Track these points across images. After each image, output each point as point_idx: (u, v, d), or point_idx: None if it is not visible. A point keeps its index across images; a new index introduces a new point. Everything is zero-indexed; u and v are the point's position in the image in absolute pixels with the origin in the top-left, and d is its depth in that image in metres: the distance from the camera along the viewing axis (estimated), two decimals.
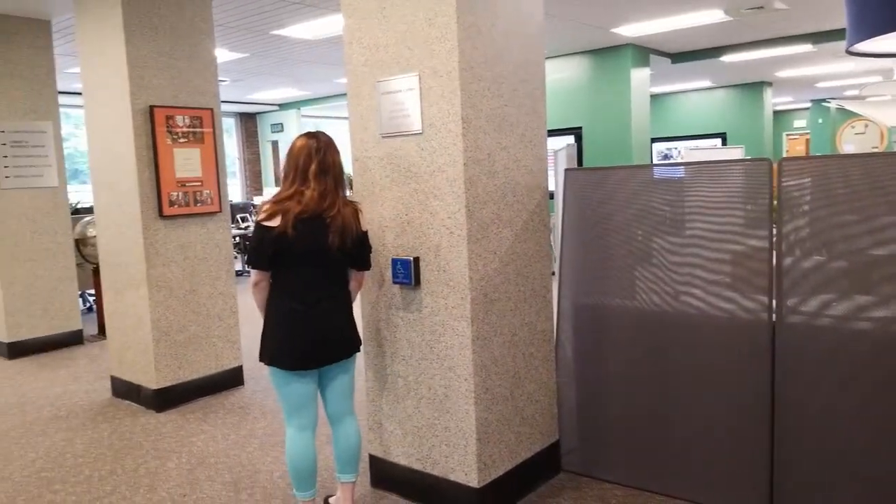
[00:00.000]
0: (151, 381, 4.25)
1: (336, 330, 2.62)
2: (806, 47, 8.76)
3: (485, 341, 2.69)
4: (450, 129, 2.56)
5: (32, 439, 3.87)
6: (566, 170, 3.12)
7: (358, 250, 2.64)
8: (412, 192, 2.73)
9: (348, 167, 2.78)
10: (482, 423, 2.68)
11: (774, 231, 2.57)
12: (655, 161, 12.87)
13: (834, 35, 8.23)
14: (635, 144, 8.88)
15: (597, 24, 7.63)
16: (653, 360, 2.90)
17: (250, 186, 15.08)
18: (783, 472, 2.60)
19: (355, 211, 2.62)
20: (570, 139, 9.12)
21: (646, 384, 2.92)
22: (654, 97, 12.22)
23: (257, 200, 12.45)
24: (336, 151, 2.60)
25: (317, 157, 2.52)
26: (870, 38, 3.28)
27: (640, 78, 8.97)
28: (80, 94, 4.67)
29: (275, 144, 15.11)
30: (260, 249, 2.51)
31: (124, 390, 4.49)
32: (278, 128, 14.34)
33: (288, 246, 2.47)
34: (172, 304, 4.28)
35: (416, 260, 2.74)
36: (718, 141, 13.07)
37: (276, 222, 2.47)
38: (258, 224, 2.52)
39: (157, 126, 4.10)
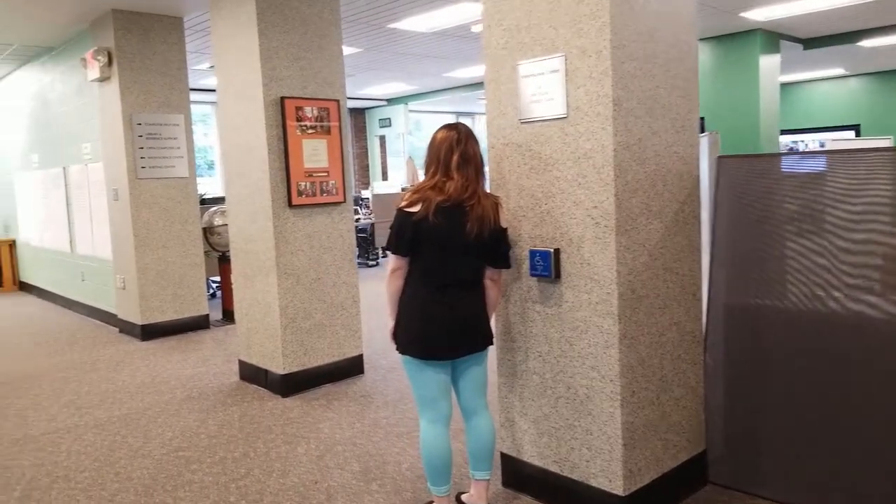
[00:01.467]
0: (278, 366, 4.35)
1: (471, 320, 2.55)
2: None
3: (632, 341, 2.52)
4: (598, 113, 2.41)
5: (168, 418, 4.04)
6: (720, 157, 2.89)
7: (495, 244, 2.56)
8: (553, 179, 2.59)
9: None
10: (628, 427, 2.52)
11: None
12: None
13: None
14: (763, 137, 8.32)
15: (724, 7, 7.17)
16: (818, 368, 2.63)
17: (358, 180, 15.39)
18: None
19: (495, 204, 2.55)
20: None
21: (809, 393, 2.66)
22: (781, 86, 11.46)
23: (365, 194, 12.68)
24: (476, 142, 2.55)
25: (458, 148, 2.50)
26: None
27: (769, 65, 8.40)
28: (201, 90, 4.82)
29: (382, 139, 15.35)
30: (400, 234, 2.48)
31: (251, 374, 4.62)
32: (386, 123, 14.54)
33: (427, 232, 2.44)
34: (299, 292, 4.35)
35: (557, 252, 2.60)
36: (851, 133, 12.10)
37: (416, 209, 2.44)
38: (400, 210, 2.49)
39: (287, 117, 4.17)
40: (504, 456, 2.97)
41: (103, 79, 5.86)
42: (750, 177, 2.84)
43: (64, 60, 6.97)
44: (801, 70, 11.57)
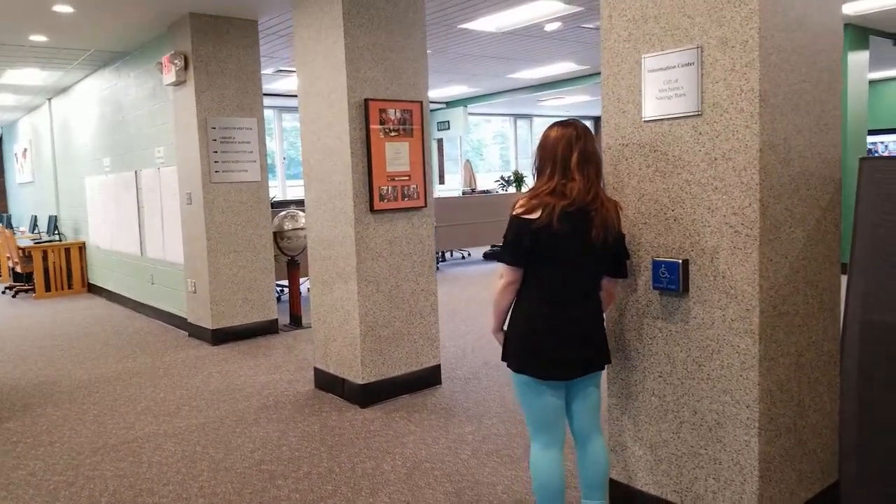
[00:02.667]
0: (357, 375, 4.20)
1: (594, 336, 2.34)
2: None
3: (772, 363, 2.27)
4: (741, 109, 2.17)
5: (247, 429, 3.93)
6: (862, 159, 2.60)
7: (619, 251, 2.34)
8: (683, 183, 2.36)
9: None
10: (765, 457, 2.27)
11: None
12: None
13: None
14: (851, 137, 7.87)
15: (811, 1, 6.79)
16: None
17: None
18: None
19: (616, 207, 2.32)
20: None
21: None
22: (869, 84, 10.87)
23: None
24: (594, 140, 2.30)
25: (577, 145, 2.25)
26: None
27: (857, 62, 7.95)
28: (269, 95, 4.71)
29: (440, 142, 15.22)
30: (518, 243, 2.25)
31: (328, 383, 4.49)
32: (445, 125, 14.40)
33: (549, 240, 2.21)
34: (378, 299, 4.20)
35: (686, 263, 2.37)
36: None
37: (536, 215, 2.21)
38: (515, 217, 2.27)
39: (370, 120, 4.03)
40: (613, 482, 2.74)
41: (179, 83, 5.85)
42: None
43: (138, 65, 7.02)
44: (890, 67, 10.97)
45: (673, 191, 2.39)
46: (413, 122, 4.25)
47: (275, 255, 6.45)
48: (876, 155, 11.64)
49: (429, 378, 4.49)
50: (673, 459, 2.49)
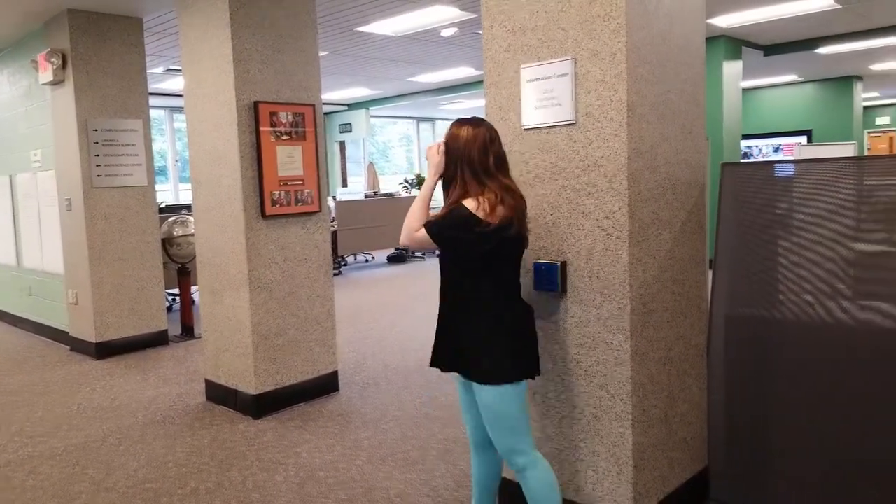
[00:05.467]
0: (250, 385, 4.10)
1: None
2: None
3: (643, 357, 2.40)
4: (611, 119, 2.28)
5: (131, 446, 3.75)
6: (723, 165, 2.80)
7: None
8: (559, 189, 2.46)
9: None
10: (638, 447, 2.40)
11: None
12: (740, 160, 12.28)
13: None
14: (726, 142, 8.42)
15: None
16: (822, 382, 2.55)
17: None
18: None
19: None
20: None
21: (811, 407, 2.58)
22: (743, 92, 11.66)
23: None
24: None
25: (493, 147, 2.19)
26: None
27: (732, 72, 8.52)
28: (154, 94, 4.55)
29: (342, 144, 15.09)
30: (453, 237, 2.19)
31: (220, 395, 4.35)
32: (347, 128, 14.29)
33: (513, 244, 2.20)
34: (272, 307, 4.12)
35: (564, 265, 2.46)
36: (804, 138, 12.40)
37: (498, 219, 2.11)
38: (489, 226, 2.11)
39: (261, 123, 3.94)
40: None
41: (56, 82, 5.50)
42: (752, 184, 2.76)
43: (12, 62, 6.55)
44: (758, 76, 11.81)
45: (551, 196, 2.49)
46: (306, 125, 4.20)
47: (164, 263, 6.19)
48: (749, 160, 12.50)
49: (326, 385, 4.44)
50: (556, 454, 2.59)
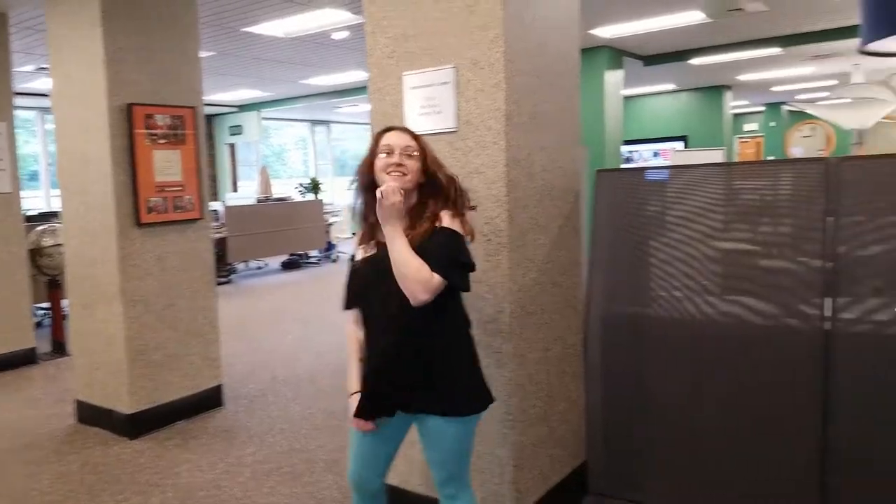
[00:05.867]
0: (124, 404, 3.86)
1: None
2: (774, 50, 8.84)
3: (522, 358, 2.45)
4: (490, 127, 2.33)
5: None
6: (597, 171, 2.92)
7: None
8: None
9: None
10: (518, 447, 2.45)
11: (828, 235, 2.41)
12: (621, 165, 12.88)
13: (804, 38, 8.32)
14: (608, 148, 8.81)
15: None
16: (692, 374, 2.71)
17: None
18: (834, 493, 2.44)
19: None
20: None
21: (683, 399, 2.73)
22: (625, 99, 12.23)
23: (215, 206, 11.93)
24: None
25: None
26: (886, 37, 3.14)
27: (613, 80, 8.91)
28: (22, 94, 4.24)
29: (232, 147, 14.58)
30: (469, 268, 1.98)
31: (92, 415, 4.07)
32: (237, 130, 13.83)
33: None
34: (148, 321, 3.90)
35: None
36: (680, 144, 13.18)
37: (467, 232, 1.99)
38: (465, 238, 1.98)
39: (135, 126, 3.73)
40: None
41: None
42: (625, 189, 2.89)
43: None
44: (638, 85, 12.45)
45: None
46: (186, 128, 4.01)
47: (33, 275, 5.74)
48: (630, 165, 13.15)
49: (210, 400, 4.26)
50: None
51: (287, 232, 10.44)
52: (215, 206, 11.96)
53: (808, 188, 2.45)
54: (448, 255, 1.87)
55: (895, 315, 2.32)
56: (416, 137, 1.98)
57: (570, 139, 2.71)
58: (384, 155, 1.92)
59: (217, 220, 10.41)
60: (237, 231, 9.68)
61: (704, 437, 2.69)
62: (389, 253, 1.85)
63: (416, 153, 1.94)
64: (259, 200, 11.96)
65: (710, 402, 2.67)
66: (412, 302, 1.84)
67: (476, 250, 2.41)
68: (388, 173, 1.91)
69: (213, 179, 14.66)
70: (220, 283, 9.71)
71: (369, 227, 1.99)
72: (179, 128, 3.96)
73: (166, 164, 3.89)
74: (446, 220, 1.92)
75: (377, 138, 1.98)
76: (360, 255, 2.02)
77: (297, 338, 6.20)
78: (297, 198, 13.10)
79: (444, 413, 1.96)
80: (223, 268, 10.04)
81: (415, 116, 2.50)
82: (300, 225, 10.71)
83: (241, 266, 11.33)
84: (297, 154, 18.48)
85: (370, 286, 1.98)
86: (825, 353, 2.43)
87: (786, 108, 15.65)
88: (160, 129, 3.86)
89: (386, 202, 1.81)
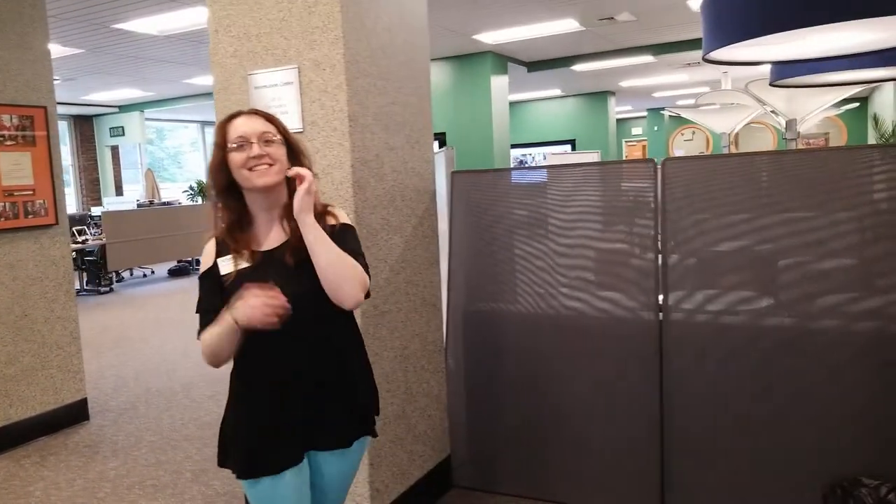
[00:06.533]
0: None
1: None
2: (647, 58, 9.36)
3: (376, 358, 2.48)
4: (335, 128, 2.35)
5: None
6: (453, 173, 3.00)
7: None
8: None
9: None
10: (374, 445, 2.48)
11: (659, 230, 2.60)
12: (513, 167, 13.23)
13: (672, 47, 8.85)
14: (496, 150, 9.03)
15: (459, 30, 7.66)
16: (543, 366, 2.84)
17: (87, 196, 13.74)
18: (673, 472, 2.63)
19: None
20: (434, 144, 9.13)
21: (537, 391, 2.86)
22: (510, 104, 12.55)
23: (96, 211, 11.32)
24: None
25: None
26: (725, 46, 3.40)
27: (499, 85, 9.14)
28: None
29: (114, 150, 13.89)
30: None
31: None
32: (118, 131, 13.18)
33: None
34: (0, 333, 3.67)
35: None
36: (569, 147, 13.69)
37: None
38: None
39: None
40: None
41: None
42: (479, 189, 2.99)
43: None
44: (527, 90, 12.83)
45: None
46: (36, 129, 3.80)
47: None
48: (522, 166, 13.53)
49: (73, 415, 4.05)
50: None
51: (173, 237, 10.03)
52: (97, 210, 11.34)
53: (641, 187, 2.62)
54: (361, 252, 1.68)
55: (721, 305, 2.52)
56: (271, 119, 1.67)
57: (421, 140, 2.77)
58: (237, 147, 1.60)
59: (98, 226, 9.89)
60: (118, 238, 9.23)
61: (558, 425, 2.82)
62: (316, 250, 1.56)
63: (276, 137, 1.64)
64: (140, 205, 11.43)
65: (561, 390, 2.80)
66: (346, 305, 1.59)
67: None
68: (249, 169, 1.59)
69: (96, 183, 13.91)
70: (101, 293, 9.24)
71: (233, 236, 1.66)
72: (28, 129, 3.75)
73: (14, 167, 3.67)
74: (338, 213, 1.72)
75: (223, 129, 1.66)
76: (226, 269, 1.66)
77: (177, 347, 5.99)
78: (185, 202, 12.64)
79: (366, 433, 1.76)
80: (105, 276, 9.55)
81: None
82: (188, 230, 10.33)
83: (126, 274, 10.81)
84: (193, 156, 17.79)
85: None
86: (659, 341, 2.61)
87: (666, 113, 16.54)
88: (6, 130, 3.64)
89: (307, 187, 1.55)
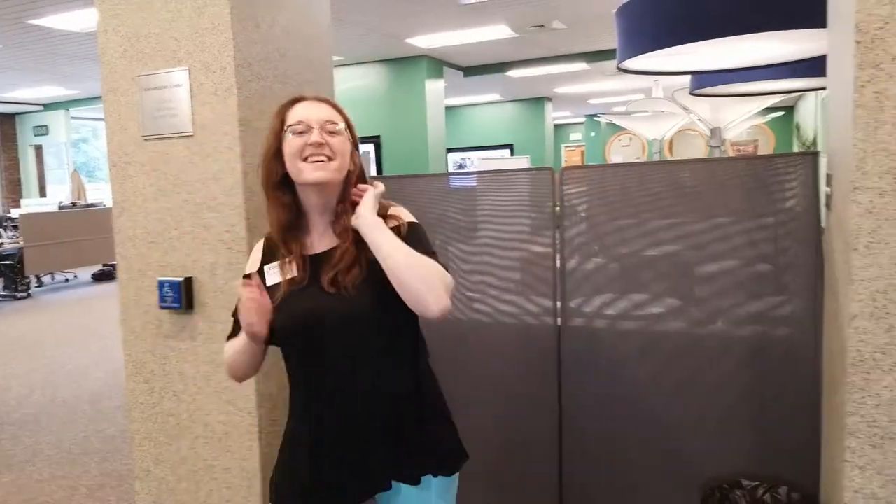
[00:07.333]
0: None
1: None
2: (580, 65, 9.52)
3: (269, 368, 2.41)
4: (226, 132, 2.28)
5: None
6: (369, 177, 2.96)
7: None
8: (182, 202, 2.39)
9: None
10: (267, 459, 2.42)
11: (557, 237, 2.61)
12: (451, 170, 13.27)
13: (604, 55, 9.02)
14: (432, 154, 9.03)
15: (392, 33, 7.62)
16: (448, 372, 2.82)
17: (7, 197, 13.15)
18: (571, 475, 2.65)
19: None
20: (370, 147, 9.06)
21: (448, 390, 2.84)
22: (448, 108, 12.57)
23: (16, 213, 10.83)
24: None
25: None
26: (636, 56, 3.46)
27: (434, 89, 9.14)
28: None
29: (38, 149, 13.33)
30: None
31: None
32: (42, 130, 12.66)
33: None
34: None
35: (189, 280, 2.40)
36: (507, 151, 13.81)
37: None
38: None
39: None
40: None
41: None
42: (384, 195, 2.95)
43: None
44: (466, 94, 12.89)
45: (174, 210, 2.41)
46: None
47: None
48: (461, 168, 13.59)
49: None
50: (191, 476, 2.51)
51: (98, 240, 9.69)
52: (17, 212, 10.84)
53: (540, 194, 2.63)
54: (434, 252, 1.49)
55: (617, 310, 2.55)
56: (338, 108, 1.53)
57: None
58: (296, 132, 1.45)
59: (16, 228, 9.46)
60: (36, 241, 8.84)
61: (472, 425, 2.80)
62: (387, 252, 1.38)
63: (341, 128, 1.49)
64: (63, 207, 11.00)
65: (463, 395, 2.79)
66: (432, 313, 1.36)
67: (217, 260, 2.36)
68: (305, 159, 1.44)
69: (17, 184, 13.32)
70: (18, 299, 8.83)
71: (283, 238, 1.51)
72: None
73: None
74: (401, 212, 1.55)
75: (281, 113, 1.50)
76: (273, 279, 1.50)
77: (91, 355, 5.76)
78: (106, 203, 12.21)
79: (422, 473, 1.54)
80: (22, 281, 9.13)
81: (151, 119, 2.39)
82: (113, 233, 9.96)
83: (47, 279, 10.37)
84: None
85: (313, 323, 1.44)
86: (558, 347, 2.62)
87: (602, 119, 16.88)
88: None
89: (376, 192, 1.45)
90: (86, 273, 10.61)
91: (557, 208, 2.60)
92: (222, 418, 2.42)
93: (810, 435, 2.16)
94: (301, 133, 1.44)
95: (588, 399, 2.60)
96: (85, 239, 9.52)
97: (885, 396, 1.59)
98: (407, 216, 1.55)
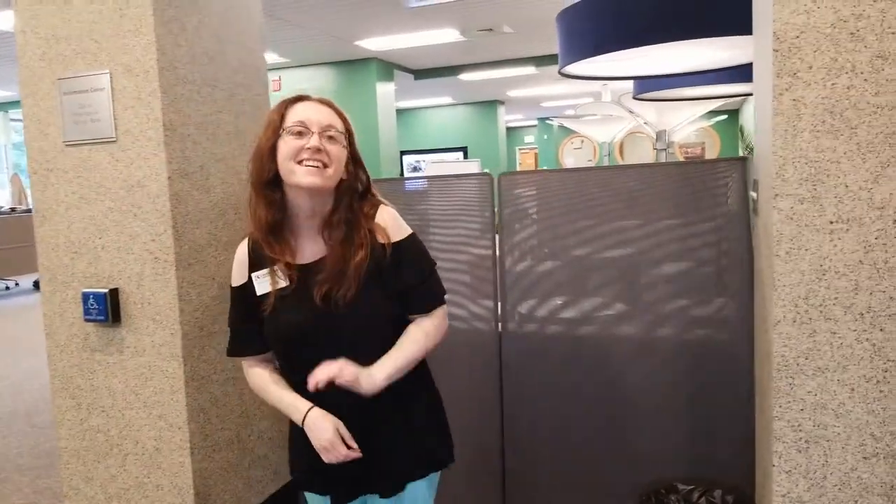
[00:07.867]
0: None
1: None
2: (530, 69, 9.59)
3: (203, 381, 2.35)
4: (150, 138, 2.20)
5: None
6: None
7: None
8: (106, 210, 2.30)
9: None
10: (201, 474, 2.34)
11: (497, 242, 2.60)
12: (406, 173, 13.22)
13: (552, 59, 9.09)
14: (383, 156, 8.97)
15: (340, 35, 7.54)
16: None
17: None
18: (514, 481, 2.64)
19: None
20: None
21: None
22: (401, 111, 12.51)
23: None
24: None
25: None
26: (576, 61, 3.48)
27: (385, 92, 9.09)
28: None
29: None
30: None
31: None
32: None
33: None
34: None
35: (114, 292, 2.31)
36: (461, 154, 13.83)
37: None
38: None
39: None
40: None
41: None
42: None
43: None
44: (418, 97, 12.86)
45: (98, 218, 2.31)
46: None
47: None
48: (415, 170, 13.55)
49: None
50: (122, 494, 2.41)
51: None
52: None
53: (480, 200, 2.62)
54: (430, 269, 1.55)
55: (556, 313, 2.55)
56: (341, 114, 1.51)
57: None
58: (293, 133, 1.43)
59: None
60: None
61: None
62: (409, 364, 1.51)
63: (341, 136, 1.47)
64: (1, 212, 10.56)
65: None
66: None
67: (143, 271, 2.27)
68: (299, 162, 1.41)
69: None
70: None
71: (269, 241, 1.50)
72: None
73: None
74: (388, 222, 1.51)
75: (280, 110, 1.48)
76: (262, 288, 1.52)
77: (30, 367, 5.54)
78: None
79: (425, 468, 1.62)
80: None
81: (71, 124, 2.29)
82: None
83: None
84: None
85: (305, 332, 1.48)
86: (499, 350, 2.61)
87: (553, 122, 17.04)
88: None
89: (349, 379, 1.41)
90: (27, 280, 10.22)
91: (496, 213, 2.59)
92: (153, 434, 2.33)
93: (747, 438, 2.19)
94: (300, 134, 1.43)
95: (530, 402, 2.60)
96: (26, 245, 9.16)
97: (809, 401, 1.61)
98: (395, 230, 1.53)
